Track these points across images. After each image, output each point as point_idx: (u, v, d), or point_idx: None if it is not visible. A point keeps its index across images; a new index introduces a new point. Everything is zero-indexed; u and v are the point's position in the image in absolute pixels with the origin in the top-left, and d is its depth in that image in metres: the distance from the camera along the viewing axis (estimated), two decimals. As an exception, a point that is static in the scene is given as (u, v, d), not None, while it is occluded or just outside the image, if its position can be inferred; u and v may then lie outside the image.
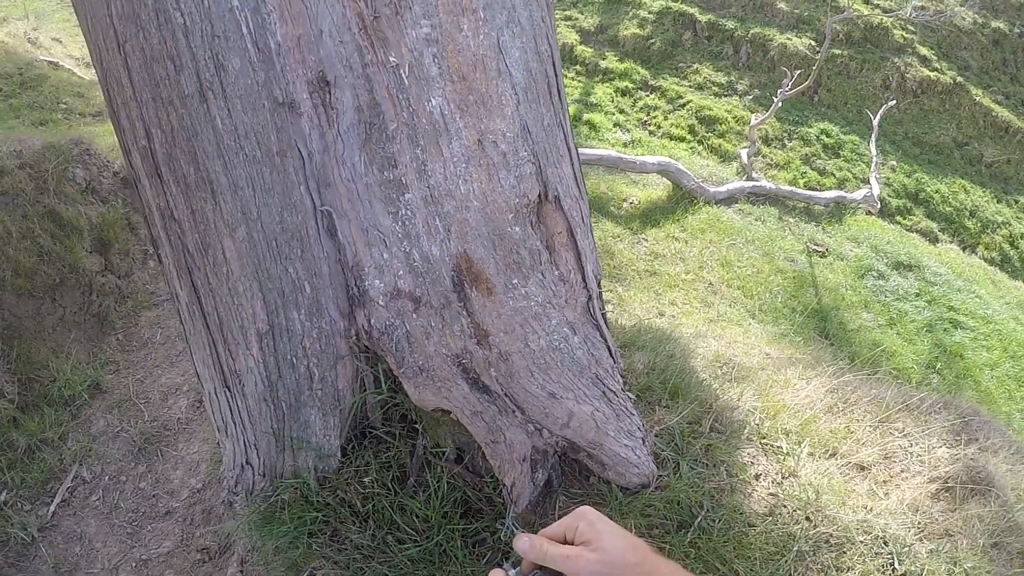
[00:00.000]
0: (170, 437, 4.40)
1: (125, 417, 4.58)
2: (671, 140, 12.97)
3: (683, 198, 9.35)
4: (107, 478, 4.24)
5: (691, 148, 12.74)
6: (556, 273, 1.97)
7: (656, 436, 2.58)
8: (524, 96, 1.83)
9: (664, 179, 9.57)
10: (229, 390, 2.31)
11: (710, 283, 7.77)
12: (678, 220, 8.92)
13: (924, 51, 14.41)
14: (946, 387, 7.58)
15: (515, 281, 1.90)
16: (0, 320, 4.66)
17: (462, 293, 1.89)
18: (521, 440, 2.08)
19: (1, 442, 4.30)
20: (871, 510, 2.59)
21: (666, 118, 13.62)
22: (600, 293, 2.28)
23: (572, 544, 1.02)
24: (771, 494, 2.65)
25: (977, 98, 13.95)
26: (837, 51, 14.06)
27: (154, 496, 4.07)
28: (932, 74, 13.97)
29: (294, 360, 2.12)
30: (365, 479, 2.38)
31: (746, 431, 2.92)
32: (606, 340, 2.19)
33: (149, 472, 4.22)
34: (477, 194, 1.81)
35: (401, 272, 1.90)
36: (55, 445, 4.42)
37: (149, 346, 5.34)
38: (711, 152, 12.69)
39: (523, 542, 1.03)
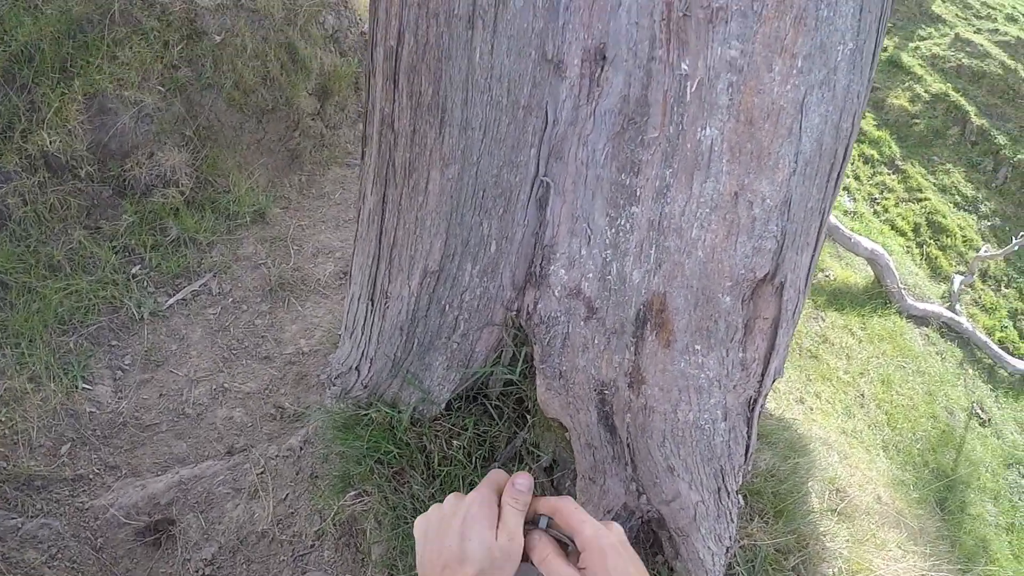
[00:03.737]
0: (303, 292, 4.47)
1: (273, 253, 4.68)
2: (892, 230, 12.19)
3: (877, 295, 8.80)
4: (230, 300, 4.36)
5: (907, 247, 11.95)
6: (740, 356, 1.79)
7: (740, 548, 2.41)
8: (803, 169, 1.61)
9: (869, 267, 9.04)
10: (372, 304, 2.26)
11: (862, 394, 7.31)
12: (863, 316, 8.41)
13: None
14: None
15: (697, 347, 1.73)
16: (204, 120, 4.82)
17: (640, 331, 1.74)
18: (617, 493, 1.95)
19: (156, 225, 4.47)
20: None
21: (896, 205, 12.81)
22: (768, 392, 2.10)
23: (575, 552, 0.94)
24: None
25: None
26: (1100, 225, 12.90)
27: (263, 337, 4.16)
28: None
29: (447, 307, 2.05)
30: (454, 441, 2.31)
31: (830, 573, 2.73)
32: (749, 440, 2.01)
33: (269, 313, 4.31)
34: (706, 246, 1.63)
35: (591, 276, 1.76)
36: (201, 248, 4.57)
37: (325, 199, 5.43)
38: (925, 260, 11.88)
39: (533, 537, 0.95)
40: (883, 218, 12.51)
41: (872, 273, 8.97)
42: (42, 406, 3.46)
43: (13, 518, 2.99)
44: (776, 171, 1.59)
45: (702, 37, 1.47)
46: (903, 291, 8.83)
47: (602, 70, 1.58)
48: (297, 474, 3.13)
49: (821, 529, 3.05)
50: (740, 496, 2.19)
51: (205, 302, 4.33)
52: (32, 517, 3.03)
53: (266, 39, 5.11)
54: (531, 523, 0.98)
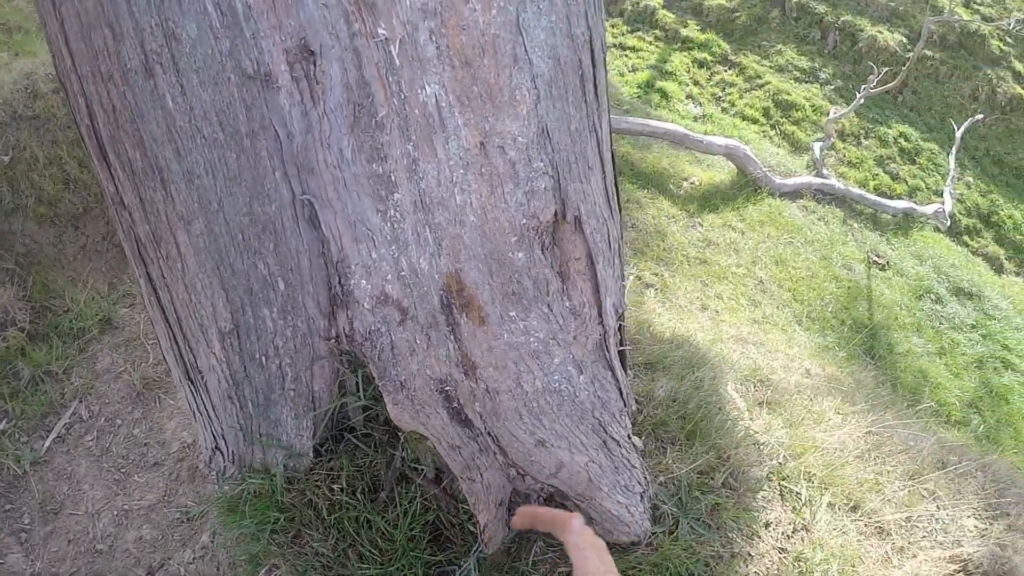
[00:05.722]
0: (170, 384, 4.30)
1: (130, 357, 4.48)
2: (743, 120, 12.41)
3: (746, 185, 8.89)
4: (103, 419, 4.17)
5: (763, 132, 12.19)
6: (567, 305, 1.68)
7: (660, 485, 2.33)
8: (547, 91, 1.50)
9: (730, 162, 9.13)
10: (192, 383, 2.10)
11: (761, 280, 7.40)
12: (737, 208, 8.49)
13: (1019, 66, 13.64)
14: (985, 430, 7.20)
15: (513, 313, 1.62)
16: (20, 247, 4.59)
17: (450, 317, 1.62)
18: (500, 484, 1.84)
19: (7, 371, 4.31)
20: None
21: (741, 97, 13.04)
22: (621, 327, 2.00)
23: None
24: (779, 548, 2.42)
25: (1070, 125, 13.23)
26: (928, 53, 13.36)
27: (145, 444, 3.98)
28: (1025, 91, 13.26)
29: (264, 359, 1.89)
30: (335, 485, 2.17)
31: (766, 472, 2.68)
32: (618, 381, 1.91)
33: (144, 419, 4.12)
34: (475, 208, 1.52)
35: (390, 277, 1.63)
36: (59, 379, 4.38)
37: (167, 283, 5.20)
38: (783, 139, 12.13)
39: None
40: (732, 112, 12.75)
41: (734, 167, 9.08)
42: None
43: None
44: (516, 105, 1.47)
45: (387, -7, 1.35)
46: (768, 174, 8.97)
47: (315, 65, 1.43)
48: (217, 569, 3.02)
49: (754, 428, 3.01)
50: (635, 438, 2.10)
51: (80, 431, 4.13)
52: None
53: (55, 142, 4.85)
54: None
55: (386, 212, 1.55)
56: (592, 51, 1.59)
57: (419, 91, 1.42)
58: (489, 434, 1.75)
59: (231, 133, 1.51)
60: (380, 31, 1.37)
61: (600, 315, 1.76)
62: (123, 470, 3.89)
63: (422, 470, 2.09)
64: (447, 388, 1.71)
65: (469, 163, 1.48)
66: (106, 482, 3.85)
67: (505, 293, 1.60)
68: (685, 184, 8.68)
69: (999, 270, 11.09)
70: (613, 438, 1.91)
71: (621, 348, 2.03)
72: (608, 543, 2.06)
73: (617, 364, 1.93)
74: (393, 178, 1.50)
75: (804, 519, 2.54)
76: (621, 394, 1.95)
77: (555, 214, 1.58)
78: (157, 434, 4.00)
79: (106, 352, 4.53)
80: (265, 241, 1.66)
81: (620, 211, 1.88)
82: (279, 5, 1.37)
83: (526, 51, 1.44)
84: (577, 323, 1.72)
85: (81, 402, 4.26)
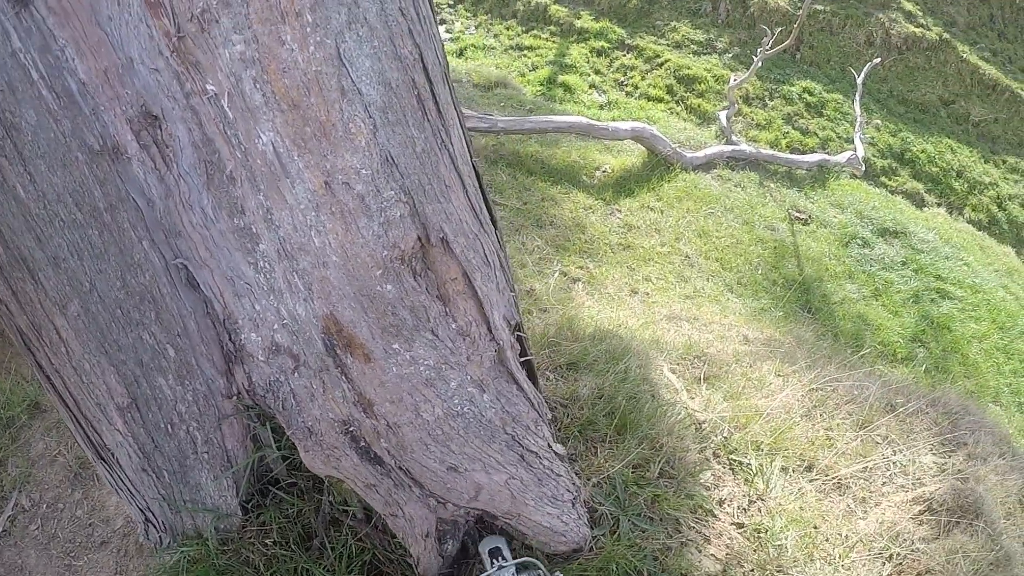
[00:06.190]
0: (105, 460, 4.20)
1: (62, 439, 4.37)
2: (649, 101, 12.60)
3: (659, 165, 8.95)
4: (45, 506, 4.06)
5: (669, 109, 12.37)
6: (454, 327, 1.69)
7: (595, 487, 2.33)
8: (383, 118, 1.49)
9: (639, 145, 9.20)
10: (105, 461, 2.06)
11: (687, 256, 7.46)
12: (653, 189, 8.54)
13: (909, 6, 14.03)
14: (932, 361, 7.35)
15: (396, 346, 1.62)
16: None
17: (337, 358, 1.62)
18: (423, 515, 1.83)
19: None
20: (847, 540, 2.38)
21: (643, 78, 13.22)
22: (520, 338, 2.00)
23: None
24: (736, 524, 2.43)
25: (964, 55, 13.60)
26: (819, 7, 13.69)
27: (90, 525, 3.89)
28: (917, 30, 13.61)
29: (169, 427, 1.87)
30: (267, 540, 2.15)
31: (711, 450, 2.68)
32: (525, 393, 1.91)
33: (85, 499, 4.02)
34: (334, 248, 1.51)
35: (276, 326, 1.62)
36: (-4, 470, 4.26)
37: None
38: (690, 112, 12.31)
39: None
40: (636, 95, 12.91)
41: (644, 149, 9.15)
42: None
43: None
44: (352, 137, 1.47)
45: (206, 49, 1.34)
46: (678, 150, 9.05)
47: (161, 129, 1.41)
48: (172, 643, 2.95)
49: (693, 407, 3.01)
50: (556, 446, 2.09)
51: (24, 521, 4.02)
52: None
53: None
54: None
55: (256, 263, 1.54)
56: (425, 68, 1.58)
57: (256, 140, 1.41)
58: (400, 468, 1.74)
59: (89, 211, 1.49)
60: (209, 87, 1.36)
61: (491, 331, 1.77)
62: (72, 554, 3.80)
63: (351, 511, 2.08)
64: (351, 428, 1.71)
65: (319, 204, 1.48)
66: (57, 569, 3.75)
67: (383, 327, 1.60)
68: (598, 173, 8.72)
69: (920, 204, 11.37)
70: (531, 451, 1.91)
71: (525, 358, 2.04)
72: (549, 554, 2.07)
73: (522, 376, 1.93)
74: (254, 229, 1.50)
75: (758, 489, 2.53)
76: (532, 405, 1.95)
77: (418, 239, 1.58)
78: (100, 512, 3.92)
79: (39, 437, 4.43)
80: (146, 311, 1.64)
81: (495, 222, 1.88)
82: (112, 76, 1.35)
83: (353, 82, 1.44)
84: (468, 343, 1.72)
85: (21, 492, 4.15)
